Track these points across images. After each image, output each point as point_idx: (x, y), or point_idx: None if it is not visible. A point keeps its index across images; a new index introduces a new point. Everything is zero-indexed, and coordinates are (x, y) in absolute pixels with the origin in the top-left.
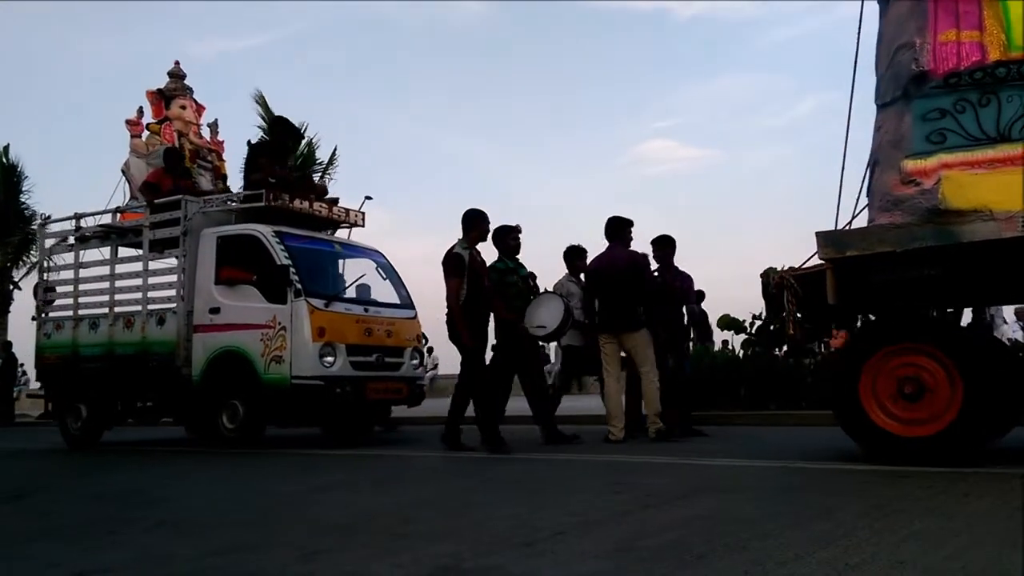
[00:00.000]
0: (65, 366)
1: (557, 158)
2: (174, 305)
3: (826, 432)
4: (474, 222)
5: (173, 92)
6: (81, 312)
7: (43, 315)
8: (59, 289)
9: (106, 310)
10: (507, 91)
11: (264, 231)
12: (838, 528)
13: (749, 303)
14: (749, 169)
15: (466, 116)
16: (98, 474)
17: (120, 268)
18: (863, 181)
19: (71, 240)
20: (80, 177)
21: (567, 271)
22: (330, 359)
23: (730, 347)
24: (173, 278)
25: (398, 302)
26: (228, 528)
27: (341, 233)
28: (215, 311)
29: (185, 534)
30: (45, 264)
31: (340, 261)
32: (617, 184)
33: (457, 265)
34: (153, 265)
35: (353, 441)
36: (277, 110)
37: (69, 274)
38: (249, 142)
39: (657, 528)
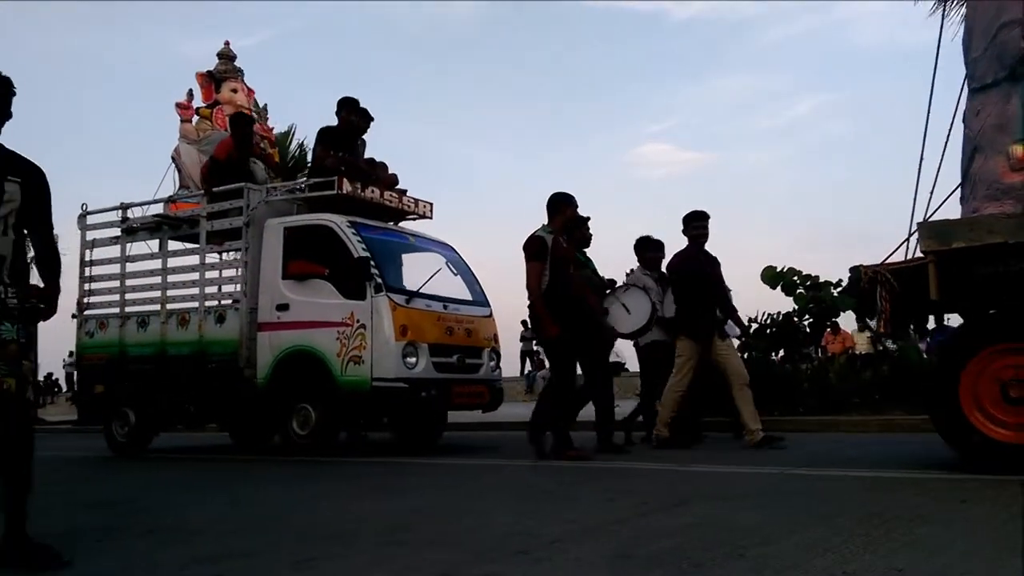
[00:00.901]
0: (110, 367)
1: (552, 160)
2: (236, 302)
3: (823, 438)
4: (559, 206)
5: (224, 74)
6: (128, 309)
7: (84, 312)
8: (103, 285)
9: (157, 307)
10: (500, 93)
11: (338, 221)
12: (836, 535)
13: (746, 307)
14: (746, 171)
15: (458, 118)
16: (90, 481)
17: (172, 262)
18: (937, 170)
19: (117, 232)
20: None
21: (638, 263)
22: (412, 359)
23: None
24: (234, 272)
25: (470, 299)
26: (219, 536)
27: (405, 225)
28: (283, 308)
29: (174, 542)
30: (87, 258)
31: (410, 255)
32: (614, 187)
33: (539, 249)
34: (210, 259)
35: (427, 448)
36: (270, 110)
37: (113, 268)
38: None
39: (654, 535)
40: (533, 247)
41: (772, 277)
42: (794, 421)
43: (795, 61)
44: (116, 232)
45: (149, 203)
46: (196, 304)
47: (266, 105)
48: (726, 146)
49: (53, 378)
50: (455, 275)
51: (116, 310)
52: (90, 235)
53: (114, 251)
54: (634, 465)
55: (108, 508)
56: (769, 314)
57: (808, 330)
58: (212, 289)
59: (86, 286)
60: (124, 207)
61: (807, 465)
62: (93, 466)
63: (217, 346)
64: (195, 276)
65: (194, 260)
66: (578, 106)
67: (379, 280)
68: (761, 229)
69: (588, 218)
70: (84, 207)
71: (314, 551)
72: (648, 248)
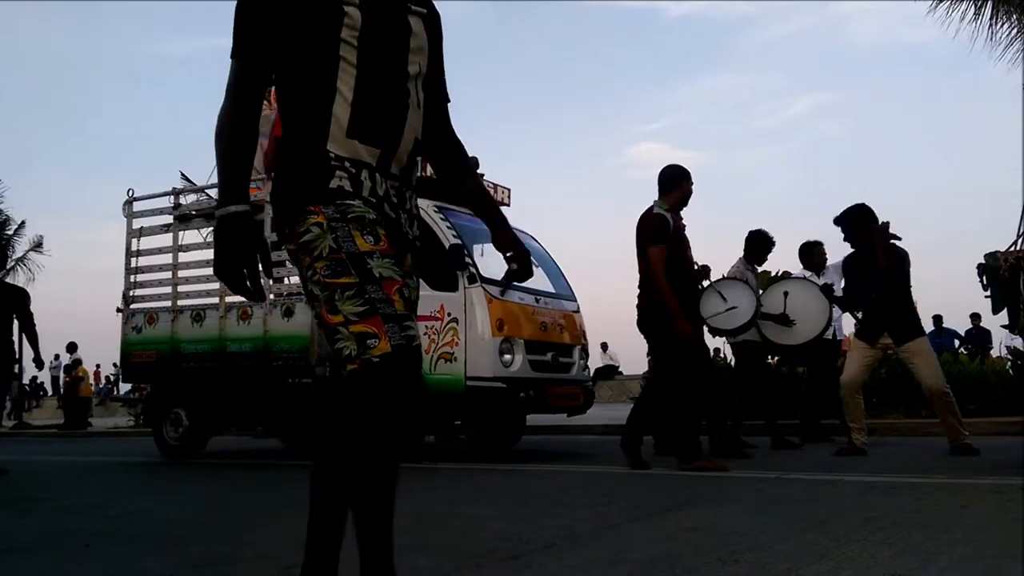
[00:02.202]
0: (161, 365)
1: (545, 160)
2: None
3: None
4: (677, 180)
5: None
6: (182, 302)
7: (131, 306)
8: (152, 276)
9: (215, 300)
10: (490, 92)
11: (424, 205)
12: (832, 540)
13: None
14: (741, 172)
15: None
16: (74, 486)
17: None
18: None
19: (167, 219)
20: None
21: (743, 256)
22: (509, 357)
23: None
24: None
25: (559, 292)
26: (205, 541)
27: None
28: None
29: (159, 547)
30: (133, 247)
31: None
32: (609, 187)
33: (661, 227)
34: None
35: (503, 454)
36: None
37: (164, 259)
38: None
39: (648, 541)
40: (653, 226)
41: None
42: (791, 426)
43: (791, 60)
44: (167, 219)
45: (203, 188)
46: None
47: None
48: (721, 146)
49: (38, 382)
50: (536, 266)
51: (167, 303)
52: (137, 223)
53: (164, 240)
54: (628, 470)
55: (92, 513)
56: None
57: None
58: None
59: (132, 278)
60: (176, 192)
61: (803, 469)
62: (78, 471)
63: (284, 342)
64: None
65: None
66: (570, 105)
67: (474, 270)
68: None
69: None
70: (131, 192)
71: (299, 557)
72: (760, 241)
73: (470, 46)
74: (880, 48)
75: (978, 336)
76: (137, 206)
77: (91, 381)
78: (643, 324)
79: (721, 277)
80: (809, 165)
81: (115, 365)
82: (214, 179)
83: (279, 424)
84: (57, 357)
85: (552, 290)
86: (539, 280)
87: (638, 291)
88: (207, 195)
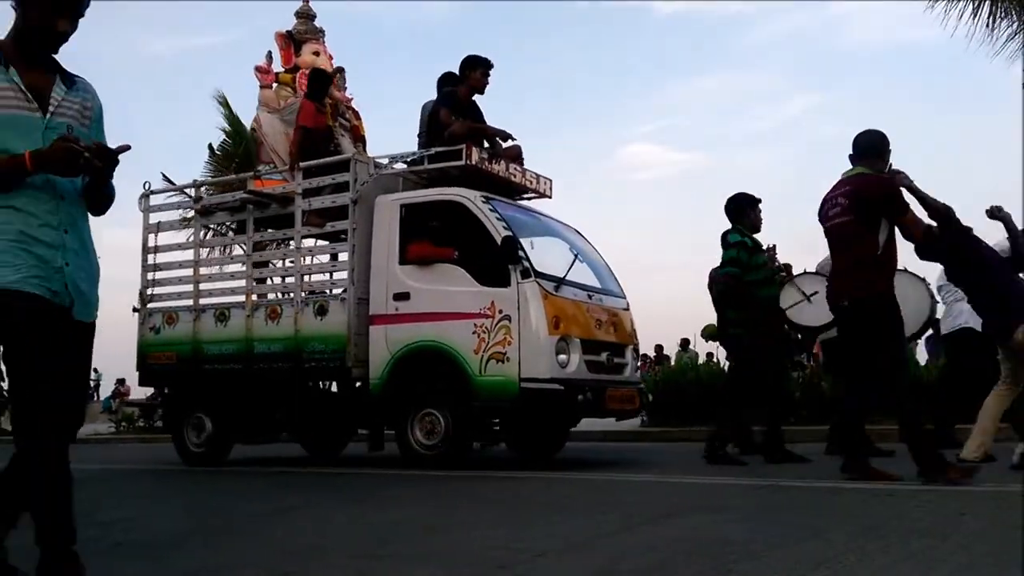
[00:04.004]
0: (182, 368)
1: (536, 163)
2: (342, 291)
3: (816, 449)
4: (884, 144)
5: (303, 35)
6: (204, 301)
7: (148, 305)
8: (171, 274)
9: (241, 298)
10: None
11: (471, 196)
12: (828, 549)
13: None
14: (735, 174)
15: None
16: None
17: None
18: None
19: (189, 213)
20: None
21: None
22: (564, 357)
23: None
24: (339, 257)
25: (608, 288)
26: (191, 550)
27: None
28: (402, 297)
29: (144, 557)
30: (150, 243)
31: (542, 238)
32: (602, 190)
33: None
34: (306, 242)
35: (546, 461)
36: (241, 110)
37: (184, 255)
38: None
39: (640, 549)
40: (898, 194)
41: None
42: (786, 432)
43: (785, 59)
44: (187, 214)
45: (225, 181)
46: (291, 294)
47: (343, 69)
48: (715, 147)
49: None
50: (581, 262)
51: (188, 302)
52: (154, 217)
53: (185, 235)
54: (624, 477)
55: (77, 522)
56: None
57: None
58: (310, 277)
59: (150, 275)
60: (197, 185)
61: (798, 477)
62: None
63: (318, 342)
64: (290, 262)
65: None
66: (561, 106)
67: (527, 264)
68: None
69: (760, 200)
70: (147, 186)
71: (288, 566)
72: None
73: (457, 47)
74: (876, 47)
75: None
76: (154, 200)
77: None
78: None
79: (803, 271)
80: (804, 166)
81: (95, 370)
82: (194, 178)
83: (309, 429)
84: None
85: (603, 287)
86: (587, 276)
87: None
88: (185, 195)
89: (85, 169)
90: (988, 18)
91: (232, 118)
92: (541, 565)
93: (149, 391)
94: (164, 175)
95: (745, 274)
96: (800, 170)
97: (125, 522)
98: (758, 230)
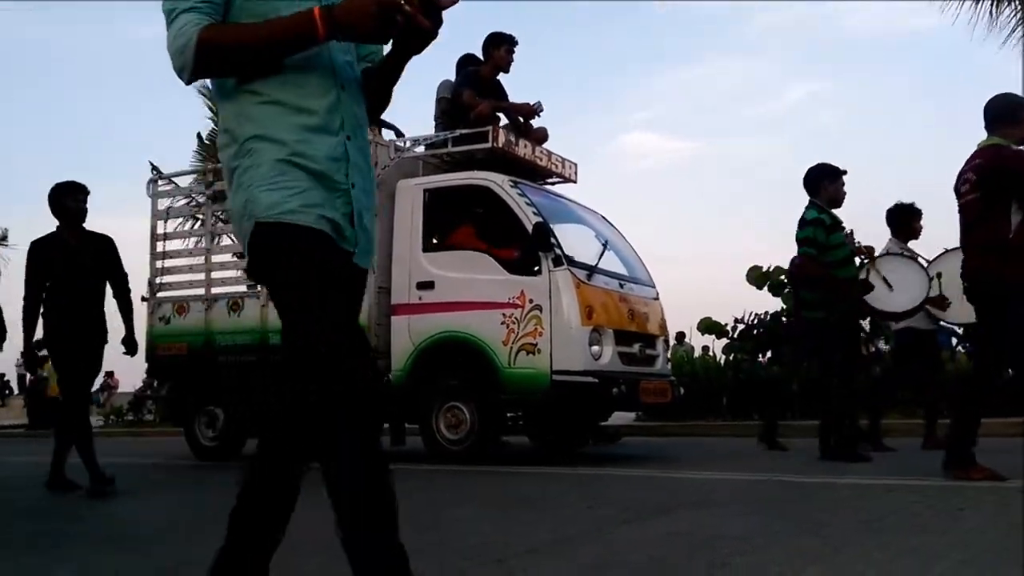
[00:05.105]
0: (194, 359)
1: None
2: None
3: (814, 443)
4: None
5: None
6: (216, 290)
7: (157, 295)
8: (181, 262)
9: (255, 287)
10: None
11: (499, 180)
12: (826, 544)
13: (730, 305)
14: (734, 161)
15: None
16: (43, 487)
17: None
18: None
19: (199, 199)
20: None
21: (891, 235)
22: (598, 348)
23: (711, 353)
24: None
25: (638, 278)
26: (178, 543)
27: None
28: (426, 286)
29: (132, 550)
30: (159, 230)
31: (570, 225)
32: (600, 179)
33: None
34: None
35: (570, 457)
36: None
37: (194, 242)
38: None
39: (635, 545)
40: None
41: (758, 277)
42: (783, 426)
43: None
44: (197, 200)
45: (171, 177)
46: None
47: None
48: (714, 135)
49: (4, 379)
50: (609, 250)
51: (200, 291)
52: (163, 203)
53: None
54: (621, 472)
55: (63, 515)
56: (756, 314)
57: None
58: None
59: (159, 263)
60: (208, 170)
61: (796, 471)
62: (46, 472)
63: None
64: None
65: None
66: (557, 94)
67: (559, 251)
68: (750, 222)
69: (843, 171)
70: (156, 172)
71: (274, 560)
72: (905, 215)
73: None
74: (876, 35)
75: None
76: (162, 185)
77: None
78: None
79: (886, 252)
80: (803, 155)
81: None
82: (184, 167)
83: None
84: (23, 354)
85: (633, 275)
86: (616, 264)
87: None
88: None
89: (406, 33)
90: (991, 5)
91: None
92: (534, 560)
93: (137, 384)
94: (152, 164)
95: (823, 254)
96: (797, 159)
97: (117, 515)
98: (838, 204)
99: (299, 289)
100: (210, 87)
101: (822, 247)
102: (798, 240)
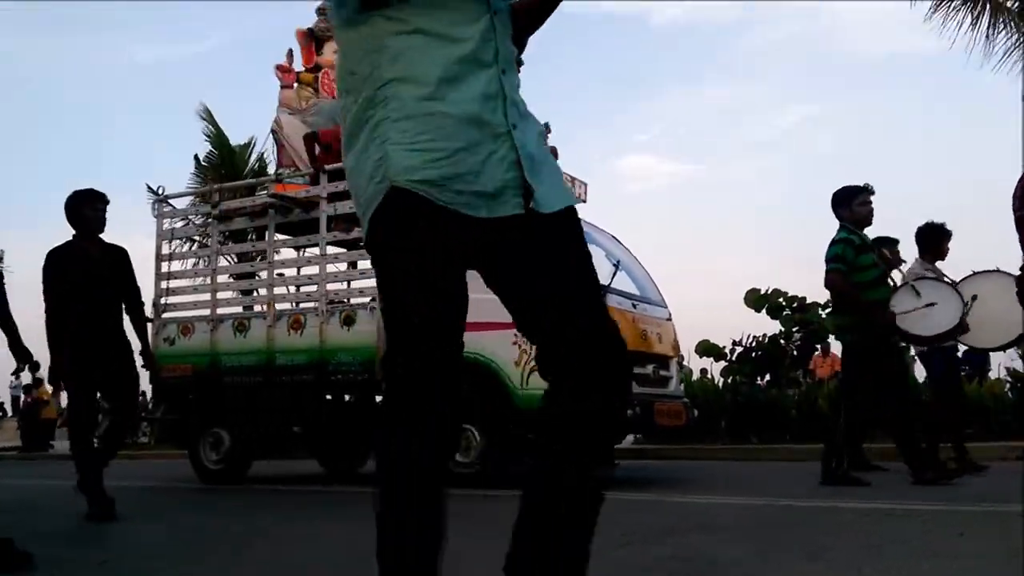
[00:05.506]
0: (199, 381)
1: None
2: (369, 299)
3: (813, 467)
4: None
5: (325, 33)
6: (222, 311)
7: (162, 316)
8: (186, 282)
9: (262, 307)
10: None
11: None
12: (827, 570)
13: (728, 328)
14: (728, 186)
15: None
16: (39, 511)
17: (282, 253)
18: None
19: (206, 219)
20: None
21: (918, 255)
22: None
23: (709, 376)
24: (365, 264)
25: (650, 298)
26: (174, 568)
27: None
28: None
29: (129, 573)
30: (164, 250)
31: None
32: (598, 202)
33: None
34: (331, 249)
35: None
36: (225, 122)
37: (198, 263)
38: None
39: (633, 570)
40: None
41: (756, 300)
42: (781, 449)
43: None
44: (202, 219)
45: (243, 184)
46: (314, 304)
47: None
48: (709, 158)
49: None
50: (621, 270)
51: (205, 312)
52: (168, 223)
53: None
54: (622, 496)
55: (59, 539)
56: (754, 337)
57: (796, 353)
58: (335, 286)
59: (163, 284)
60: (215, 190)
61: (796, 496)
62: (42, 495)
63: (344, 354)
64: (314, 270)
65: (312, 250)
66: (553, 117)
67: None
68: (747, 246)
69: (868, 189)
70: (161, 190)
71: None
72: (934, 235)
73: None
74: (873, 57)
75: (976, 358)
76: (167, 206)
77: (58, 403)
78: None
79: (923, 274)
80: (800, 177)
81: None
82: (181, 188)
83: (332, 444)
84: (17, 376)
85: (645, 296)
86: (628, 284)
87: None
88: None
89: None
90: (987, 28)
91: (216, 132)
92: None
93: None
94: (148, 186)
95: (853, 275)
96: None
97: (111, 539)
98: (868, 223)
99: (407, 278)
100: (207, 109)
101: (851, 266)
102: (826, 260)
